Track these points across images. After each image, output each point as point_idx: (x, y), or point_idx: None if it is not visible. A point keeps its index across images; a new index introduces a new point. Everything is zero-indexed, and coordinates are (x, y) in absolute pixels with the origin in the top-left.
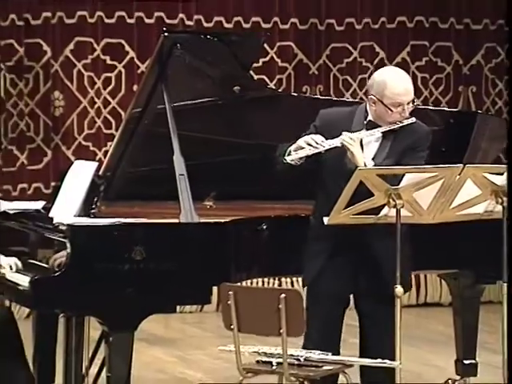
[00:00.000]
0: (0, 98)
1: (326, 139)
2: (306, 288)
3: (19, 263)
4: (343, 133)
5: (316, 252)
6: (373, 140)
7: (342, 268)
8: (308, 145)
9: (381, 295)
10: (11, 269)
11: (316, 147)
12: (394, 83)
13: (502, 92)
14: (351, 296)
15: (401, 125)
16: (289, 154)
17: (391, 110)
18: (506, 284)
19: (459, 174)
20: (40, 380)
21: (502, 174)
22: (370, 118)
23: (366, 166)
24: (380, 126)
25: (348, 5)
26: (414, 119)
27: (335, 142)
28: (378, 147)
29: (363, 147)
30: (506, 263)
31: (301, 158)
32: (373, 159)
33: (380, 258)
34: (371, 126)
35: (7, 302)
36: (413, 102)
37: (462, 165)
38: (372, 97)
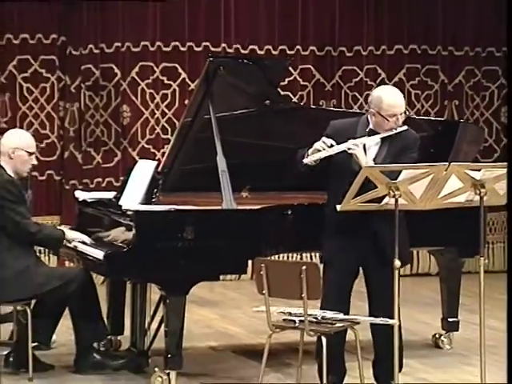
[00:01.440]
0: (80, 110)
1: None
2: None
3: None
4: (349, 140)
5: (331, 235)
6: (373, 144)
7: (352, 246)
8: (321, 147)
9: (383, 267)
10: (83, 243)
11: (327, 150)
12: (388, 98)
13: (479, 105)
14: (360, 269)
15: (396, 131)
16: (306, 157)
17: (387, 120)
18: (482, 258)
19: (445, 171)
20: (112, 332)
21: (479, 170)
22: (370, 126)
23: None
24: (379, 133)
25: (356, 35)
26: (406, 127)
27: (342, 147)
28: (378, 150)
29: (366, 150)
30: (482, 241)
31: (316, 161)
32: (374, 159)
33: (381, 239)
34: (372, 133)
35: None
36: (404, 112)
37: (447, 163)
38: (372, 110)
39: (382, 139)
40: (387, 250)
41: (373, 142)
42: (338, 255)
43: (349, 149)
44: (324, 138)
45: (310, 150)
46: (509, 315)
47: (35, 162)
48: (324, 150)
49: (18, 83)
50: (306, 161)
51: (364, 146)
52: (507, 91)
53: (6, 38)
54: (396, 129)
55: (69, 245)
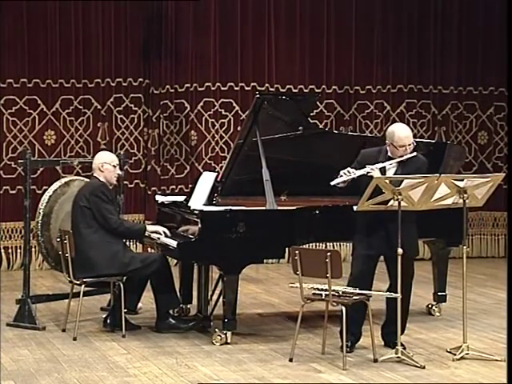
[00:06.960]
0: (159, 135)
1: (364, 167)
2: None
3: (167, 231)
4: (367, 165)
5: (358, 231)
6: (391, 167)
7: (372, 239)
8: (345, 174)
9: (394, 256)
10: (163, 234)
11: (351, 175)
12: (398, 133)
13: (461, 131)
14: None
15: (406, 157)
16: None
17: (398, 149)
18: (464, 247)
19: (437, 180)
20: (183, 302)
21: (462, 180)
22: (389, 154)
23: None
24: (394, 159)
25: (367, 78)
26: (414, 153)
27: (363, 171)
28: (395, 171)
29: (386, 171)
30: (465, 234)
31: (343, 182)
32: None
33: (392, 235)
34: (389, 159)
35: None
36: (412, 143)
37: (438, 174)
38: (387, 141)
39: (398, 163)
40: (395, 242)
41: (390, 166)
42: (362, 245)
43: (368, 172)
44: (349, 168)
45: (339, 176)
46: (509, 313)
47: (120, 172)
48: (349, 174)
49: (114, 115)
50: (333, 182)
51: (384, 168)
52: (507, 95)
53: (105, 81)
54: (407, 155)
55: (153, 236)
